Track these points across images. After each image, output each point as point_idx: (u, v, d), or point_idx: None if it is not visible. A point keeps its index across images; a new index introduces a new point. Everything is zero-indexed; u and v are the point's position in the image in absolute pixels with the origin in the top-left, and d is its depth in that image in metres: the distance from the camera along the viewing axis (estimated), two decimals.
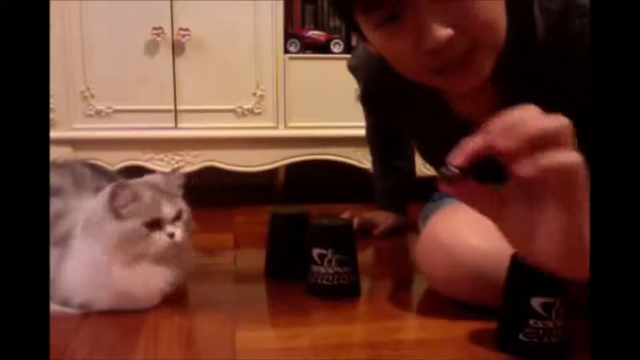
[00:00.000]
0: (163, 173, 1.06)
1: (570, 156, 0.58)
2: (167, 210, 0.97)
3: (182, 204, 1.01)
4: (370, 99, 1.16)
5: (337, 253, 1.02)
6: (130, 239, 0.94)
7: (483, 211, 0.65)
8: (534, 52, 0.85)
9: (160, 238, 0.96)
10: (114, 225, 0.94)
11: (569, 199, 0.60)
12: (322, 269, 1.03)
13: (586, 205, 0.59)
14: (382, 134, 1.43)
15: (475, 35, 0.74)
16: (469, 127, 0.79)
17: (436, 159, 1.04)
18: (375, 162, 1.49)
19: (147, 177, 1.05)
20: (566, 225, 0.61)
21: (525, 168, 0.59)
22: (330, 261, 1.02)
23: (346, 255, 1.04)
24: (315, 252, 1.03)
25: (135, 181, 1.00)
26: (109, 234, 0.93)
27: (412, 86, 0.88)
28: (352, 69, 1.19)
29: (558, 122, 0.58)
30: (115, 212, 0.94)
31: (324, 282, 1.03)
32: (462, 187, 0.62)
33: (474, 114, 0.91)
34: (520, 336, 0.82)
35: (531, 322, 0.81)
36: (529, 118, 0.59)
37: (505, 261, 0.84)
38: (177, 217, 0.99)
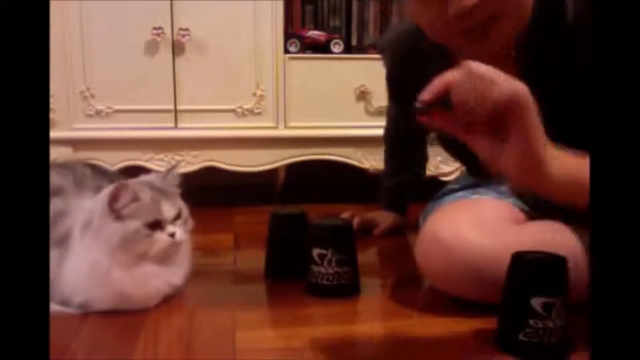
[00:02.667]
0: (159, 172, 1.06)
1: (515, 85, 0.72)
2: (167, 210, 0.97)
3: (181, 203, 1.01)
4: (395, 77, 1.18)
5: (337, 253, 1.02)
6: (131, 239, 0.94)
7: (455, 134, 0.77)
8: (561, 34, 0.87)
9: (161, 238, 0.96)
10: (115, 227, 0.93)
11: (521, 121, 0.73)
12: (322, 269, 1.03)
13: (537, 124, 0.73)
14: (400, 132, 1.43)
15: (500, 5, 0.81)
16: None
17: (455, 145, 1.06)
18: (387, 159, 1.49)
19: (144, 177, 1.04)
20: (522, 143, 0.73)
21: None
22: (330, 261, 1.02)
23: (346, 255, 1.04)
24: (315, 252, 1.03)
25: (135, 181, 1.00)
26: (110, 235, 0.93)
27: (435, 65, 0.90)
28: (381, 49, 1.23)
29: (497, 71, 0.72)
30: (116, 213, 0.94)
31: (324, 282, 1.03)
32: (431, 117, 0.76)
33: None
34: (520, 336, 0.82)
35: (531, 322, 0.81)
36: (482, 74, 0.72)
37: (505, 257, 0.84)
38: (177, 217, 0.99)
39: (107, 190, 0.95)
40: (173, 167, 1.06)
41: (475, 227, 0.94)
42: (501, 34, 0.84)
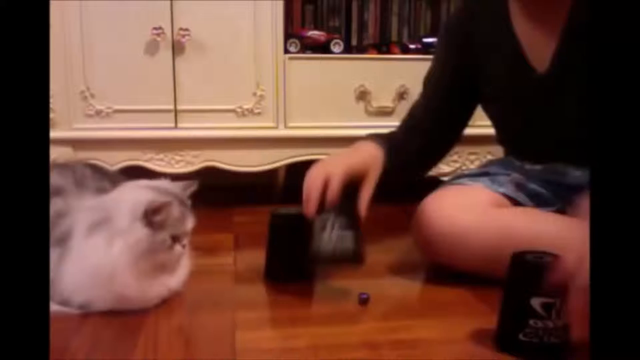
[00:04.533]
0: (180, 183, 1.05)
1: None
2: (189, 224, 1.00)
3: (192, 217, 1.02)
4: (454, 24, 1.24)
5: (338, 217, 1.01)
6: (156, 249, 0.95)
7: None
8: None
9: (178, 250, 0.98)
10: (145, 233, 0.94)
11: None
12: (325, 235, 1.00)
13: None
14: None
15: None
16: (527, 68, 1.08)
17: (497, 101, 1.19)
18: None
19: (167, 185, 1.04)
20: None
21: None
22: (332, 225, 1.01)
23: (348, 219, 1.02)
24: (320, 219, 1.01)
25: (166, 192, 1.00)
26: (137, 241, 0.94)
27: (491, 18, 1.05)
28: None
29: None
30: (148, 222, 0.94)
31: (326, 248, 1.00)
32: None
33: (533, 53, 1.07)
34: (520, 336, 0.82)
35: (531, 322, 0.81)
36: None
37: (476, 232, 1.05)
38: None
39: (143, 198, 0.95)
40: (192, 184, 1.05)
41: (457, 206, 1.10)
42: None
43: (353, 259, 1.02)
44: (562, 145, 1.11)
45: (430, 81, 1.27)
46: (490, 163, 1.31)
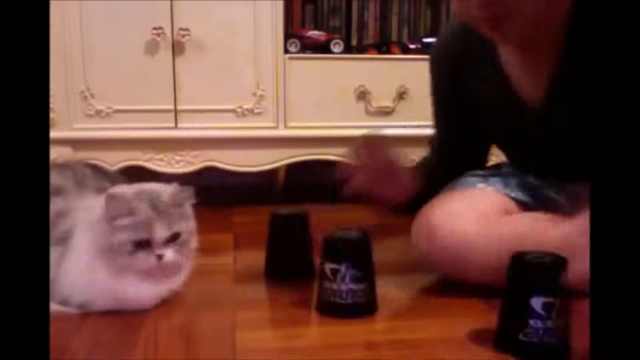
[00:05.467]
0: (173, 189, 0.98)
1: None
2: (160, 232, 0.93)
3: (181, 225, 0.96)
4: (442, 60, 1.19)
5: (352, 268, 0.95)
6: (115, 251, 0.92)
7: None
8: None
9: (145, 259, 0.93)
10: (105, 232, 0.92)
11: None
12: (335, 286, 0.96)
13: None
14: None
15: (519, 3, 0.88)
16: (520, 105, 1.04)
17: (494, 134, 1.18)
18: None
19: (153, 187, 0.98)
20: None
21: None
22: (344, 277, 0.95)
23: (362, 271, 0.96)
24: (328, 267, 0.96)
25: (136, 192, 0.95)
26: (99, 239, 0.93)
27: (480, 55, 1.02)
28: (432, 58, 1.24)
29: None
30: (108, 220, 0.92)
31: (337, 300, 0.96)
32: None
33: (524, 91, 1.04)
34: (520, 336, 0.82)
35: (531, 322, 0.81)
36: None
37: (484, 245, 0.99)
38: (173, 239, 0.95)
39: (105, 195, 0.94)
40: (188, 192, 0.99)
41: (461, 216, 1.03)
42: (521, 27, 0.91)
43: (364, 313, 0.97)
44: (561, 167, 1.09)
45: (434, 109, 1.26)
46: (503, 162, 1.25)
